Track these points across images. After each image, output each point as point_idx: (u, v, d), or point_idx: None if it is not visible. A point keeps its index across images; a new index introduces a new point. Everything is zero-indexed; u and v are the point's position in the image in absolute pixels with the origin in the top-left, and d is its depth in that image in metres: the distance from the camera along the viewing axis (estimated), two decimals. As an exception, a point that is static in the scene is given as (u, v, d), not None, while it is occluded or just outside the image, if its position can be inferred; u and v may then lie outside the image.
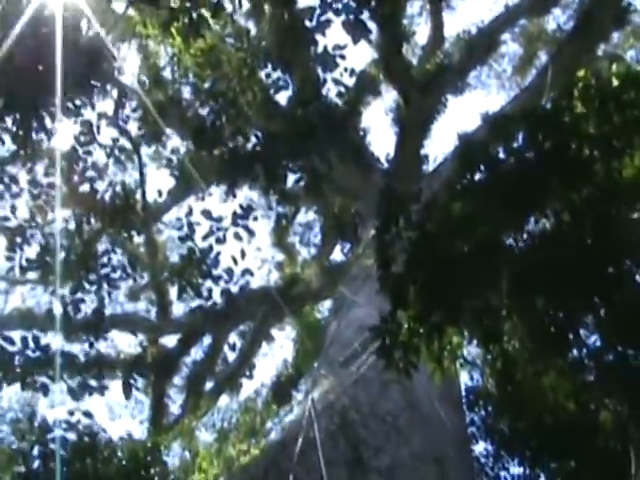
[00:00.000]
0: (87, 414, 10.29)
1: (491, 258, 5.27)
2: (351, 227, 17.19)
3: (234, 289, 11.23)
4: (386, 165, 17.75)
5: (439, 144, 33.46)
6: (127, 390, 11.36)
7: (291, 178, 12.55)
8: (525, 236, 5.82)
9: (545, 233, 6.01)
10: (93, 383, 10.89)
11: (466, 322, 5.76)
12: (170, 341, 18.31)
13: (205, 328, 17.70)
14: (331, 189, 17.21)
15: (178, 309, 18.88)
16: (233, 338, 18.94)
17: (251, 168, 12.02)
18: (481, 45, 17.64)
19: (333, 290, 14.92)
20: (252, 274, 11.09)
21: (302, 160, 12.15)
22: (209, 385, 18.15)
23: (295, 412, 9.01)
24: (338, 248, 20.18)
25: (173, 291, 18.60)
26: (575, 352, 7.03)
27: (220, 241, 10.78)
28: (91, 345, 11.29)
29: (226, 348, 18.56)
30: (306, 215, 21.77)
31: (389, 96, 18.82)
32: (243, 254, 10.74)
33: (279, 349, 19.30)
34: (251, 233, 10.59)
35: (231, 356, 18.69)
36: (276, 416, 11.37)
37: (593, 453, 7.83)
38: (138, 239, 14.26)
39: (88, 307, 11.25)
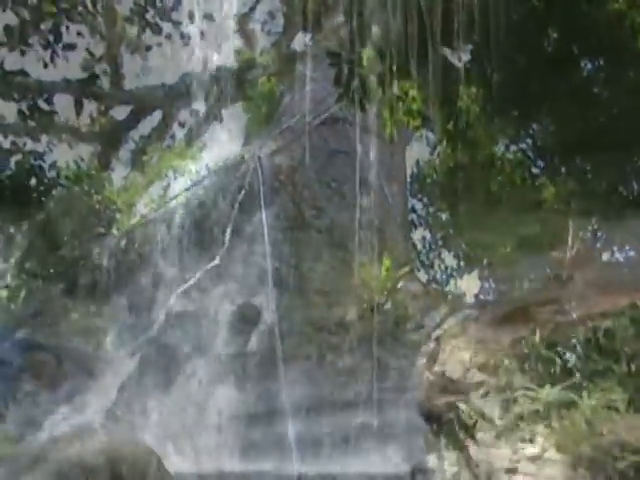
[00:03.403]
0: (34, 138, 10.10)
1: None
2: (316, 15, 16.68)
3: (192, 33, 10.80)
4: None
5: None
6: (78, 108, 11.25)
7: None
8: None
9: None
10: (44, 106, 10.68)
11: (425, 78, 5.66)
12: (120, 114, 17.90)
13: (157, 103, 17.31)
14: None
15: (131, 84, 18.41)
16: (184, 115, 18.56)
17: None
18: None
19: (290, 75, 14.61)
20: (213, 19, 10.70)
21: None
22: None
23: (241, 169, 8.98)
24: (299, 38, 19.65)
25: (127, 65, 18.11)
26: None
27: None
28: (45, 66, 10.81)
29: (176, 125, 18.23)
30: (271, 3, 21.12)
31: None
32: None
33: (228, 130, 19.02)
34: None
35: (179, 134, 18.38)
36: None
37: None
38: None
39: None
